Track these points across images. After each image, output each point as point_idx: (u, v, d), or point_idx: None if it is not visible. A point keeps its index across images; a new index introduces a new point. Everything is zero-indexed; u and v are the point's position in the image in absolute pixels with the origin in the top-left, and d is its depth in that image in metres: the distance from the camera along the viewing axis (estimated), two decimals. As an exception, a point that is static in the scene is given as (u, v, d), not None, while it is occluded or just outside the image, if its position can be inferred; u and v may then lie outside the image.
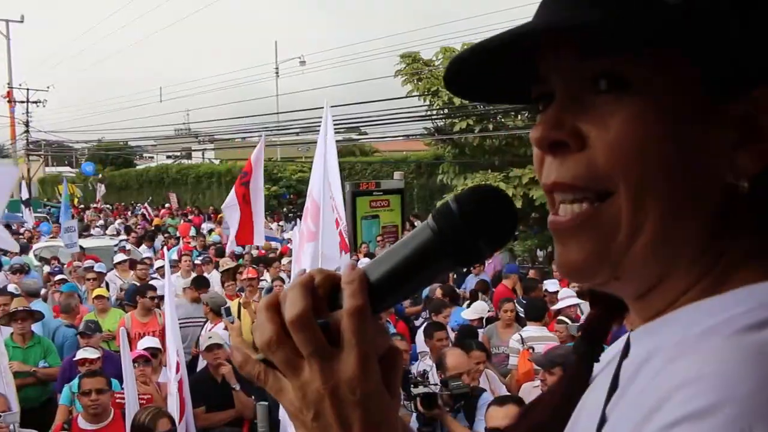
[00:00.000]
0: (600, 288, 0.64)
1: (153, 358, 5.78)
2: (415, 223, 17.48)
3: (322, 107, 6.25)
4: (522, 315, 6.78)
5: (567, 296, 6.86)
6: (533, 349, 5.82)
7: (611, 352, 0.74)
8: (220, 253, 12.05)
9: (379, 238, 14.33)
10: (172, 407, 4.83)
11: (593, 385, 0.73)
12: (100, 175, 31.70)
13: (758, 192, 0.56)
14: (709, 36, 0.53)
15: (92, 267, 10.29)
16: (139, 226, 20.80)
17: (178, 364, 4.99)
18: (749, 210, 0.57)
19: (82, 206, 32.72)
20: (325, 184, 5.71)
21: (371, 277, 0.61)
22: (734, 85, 0.55)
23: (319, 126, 6.27)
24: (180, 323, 7.76)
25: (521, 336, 6.06)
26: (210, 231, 18.00)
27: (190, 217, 23.46)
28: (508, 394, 4.82)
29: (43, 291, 9.41)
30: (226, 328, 6.95)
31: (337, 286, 0.61)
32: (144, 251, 13.90)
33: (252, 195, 8.61)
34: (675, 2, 0.53)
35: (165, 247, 11.27)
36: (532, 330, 6.18)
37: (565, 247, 0.61)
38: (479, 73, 0.64)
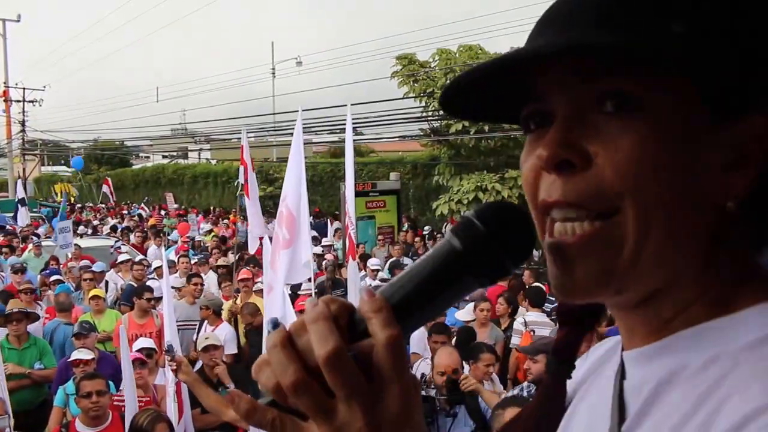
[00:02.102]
0: (596, 301, 0.64)
1: (149, 359, 5.78)
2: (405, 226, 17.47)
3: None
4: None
5: None
6: (534, 332, 6.33)
7: (584, 366, 0.78)
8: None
9: (380, 238, 14.32)
10: (170, 409, 4.83)
11: (578, 405, 0.75)
12: (107, 175, 31.51)
13: (748, 213, 0.59)
14: (710, 60, 0.55)
15: (89, 267, 10.29)
16: (138, 227, 20.75)
17: None
18: (740, 231, 0.60)
19: (79, 205, 32.64)
20: (302, 194, 5.76)
21: (392, 302, 0.57)
22: (730, 110, 0.57)
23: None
24: (178, 325, 7.77)
25: (525, 319, 6.64)
26: (209, 231, 17.97)
27: (196, 218, 23.33)
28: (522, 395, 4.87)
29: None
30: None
31: (352, 315, 0.57)
32: (153, 253, 13.84)
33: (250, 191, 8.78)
34: (679, 30, 0.55)
35: (164, 247, 11.27)
36: (533, 315, 6.76)
37: (568, 268, 0.60)
38: (474, 92, 0.64)
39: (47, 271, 11.03)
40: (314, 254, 12.59)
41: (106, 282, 10.01)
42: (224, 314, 7.71)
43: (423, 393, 4.26)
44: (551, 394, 0.77)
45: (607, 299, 0.63)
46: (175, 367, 4.42)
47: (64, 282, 9.75)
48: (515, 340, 6.56)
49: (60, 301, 8.04)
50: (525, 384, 4.95)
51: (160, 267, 10.63)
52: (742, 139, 0.57)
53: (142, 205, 29.15)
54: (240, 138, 10.05)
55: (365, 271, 9.83)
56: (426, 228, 17.38)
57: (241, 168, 8.97)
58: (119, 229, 19.06)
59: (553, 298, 7.79)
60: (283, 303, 5.57)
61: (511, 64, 0.59)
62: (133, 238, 16.19)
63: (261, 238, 7.88)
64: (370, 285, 8.18)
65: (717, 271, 0.60)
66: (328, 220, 18.82)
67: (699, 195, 0.58)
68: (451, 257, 0.58)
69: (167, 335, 5.19)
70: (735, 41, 0.55)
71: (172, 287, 8.87)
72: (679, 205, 0.58)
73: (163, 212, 27.04)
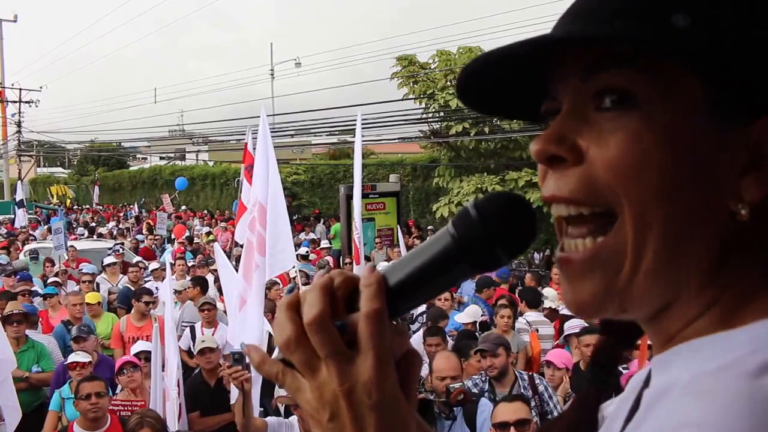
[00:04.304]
0: (605, 317, 0.64)
1: (147, 363, 5.71)
2: (412, 229, 17.44)
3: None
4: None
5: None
6: (538, 330, 6.93)
7: (637, 378, 0.74)
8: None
9: (377, 240, 14.24)
10: (172, 413, 4.77)
11: (615, 414, 0.73)
12: (97, 177, 31.56)
13: (760, 220, 0.55)
14: (720, 58, 0.52)
15: (88, 270, 10.22)
16: (135, 229, 20.66)
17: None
18: (754, 239, 0.56)
19: (75, 207, 32.53)
20: (270, 188, 5.54)
21: (390, 281, 0.62)
22: (745, 110, 0.54)
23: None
24: (185, 324, 7.70)
25: (527, 320, 7.06)
26: (208, 234, 17.87)
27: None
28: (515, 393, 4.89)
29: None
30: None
31: (356, 288, 0.62)
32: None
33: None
34: (681, 24, 0.53)
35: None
36: (533, 315, 7.21)
37: (574, 286, 0.60)
38: (492, 86, 0.64)
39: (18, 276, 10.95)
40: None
41: (97, 284, 9.93)
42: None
43: (420, 395, 4.23)
44: (585, 403, 0.75)
45: (615, 316, 0.62)
46: (247, 376, 4.10)
47: (59, 284, 9.68)
48: (525, 338, 6.83)
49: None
50: (473, 379, 5.05)
51: (157, 269, 10.61)
52: (757, 142, 0.54)
53: (134, 206, 28.99)
54: (239, 139, 10.14)
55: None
56: (430, 228, 17.31)
57: (243, 167, 9.06)
58: (115, 232, 18.98)
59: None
60: (258, 315, 5.16)
61: (509, 53, 0.58)
62: (146, 241, 16.03)
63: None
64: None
65: (727, 283, 0.57)
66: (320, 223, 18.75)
67: (705, 200, 0.55)
68: (447, 244, 0.61)
69: (168, 339, 5.11)
70: (743, 37, 0.52)
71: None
72: (680, 209, 0.55)
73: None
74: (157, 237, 16.98)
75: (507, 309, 6.78)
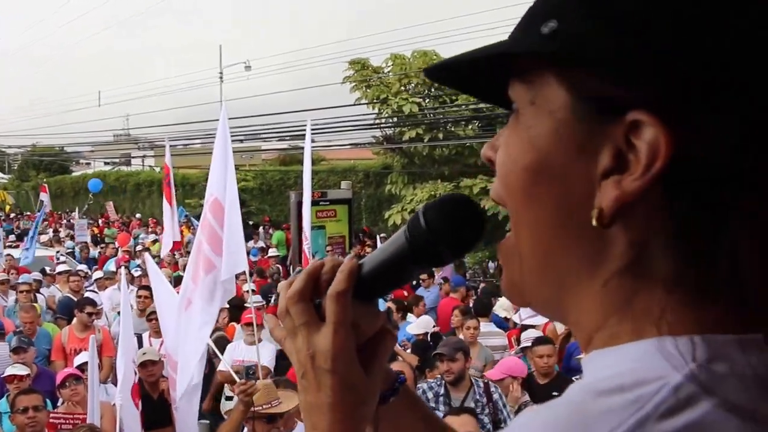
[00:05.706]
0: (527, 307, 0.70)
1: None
2: (363, 238, 17.37)
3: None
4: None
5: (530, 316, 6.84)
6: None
7: None
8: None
9: (328, 248, 14.10)
10: (132, 425, 4.63)
11: None
12: (44, 183, 30.15)
13: (644, 230, 0.51)
14: (578, 58, 0.51)
15: (29, 280, 9.78)
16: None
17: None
18: (644, 251, 0.51)
19: (13, 215, 31.36)
20: (228, 185, 5.35)
21: (364, 269, 0.73)
22: (613, 109, 0.50)
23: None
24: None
25: None
26: (155, 242, 17.38)
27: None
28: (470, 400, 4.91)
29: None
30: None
31: None
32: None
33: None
34: (547, 30, 0.52)
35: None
36: (481, 326, 6.68)
37: (503, 272, 0.64)
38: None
39: None
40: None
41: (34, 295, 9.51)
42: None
43: None
44: None
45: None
46: (250, 392, 4.09)
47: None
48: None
49: None
50: (429, 383, 5.06)
51: (101, 279, 10.26)
52: (618, 142, 0.50)
53: (74, 214, 27.81)
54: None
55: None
56: (382, 236, 17.26)
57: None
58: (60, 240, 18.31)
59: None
60: (202, 318, 4.83)
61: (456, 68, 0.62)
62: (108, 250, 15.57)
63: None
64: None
65: (615, 297, 0.53)
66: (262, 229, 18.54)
67: (568, 204, 0.54)
68: (400, 247, 0.70)
69: (121, 349, 4.95)
70: (601, 38, 0.50)
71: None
72: (543, 213, 0.55)
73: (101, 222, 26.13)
74: (108, 246, 16.50)
75: (473, 320, 6.61)
